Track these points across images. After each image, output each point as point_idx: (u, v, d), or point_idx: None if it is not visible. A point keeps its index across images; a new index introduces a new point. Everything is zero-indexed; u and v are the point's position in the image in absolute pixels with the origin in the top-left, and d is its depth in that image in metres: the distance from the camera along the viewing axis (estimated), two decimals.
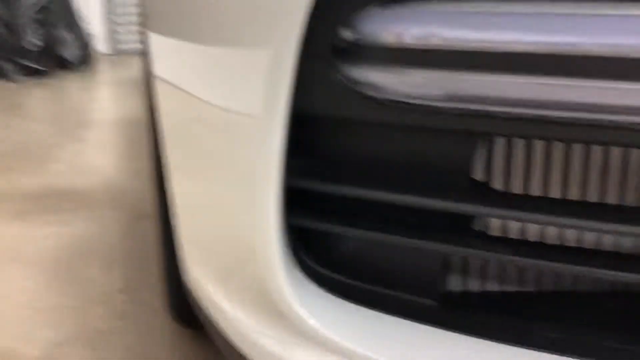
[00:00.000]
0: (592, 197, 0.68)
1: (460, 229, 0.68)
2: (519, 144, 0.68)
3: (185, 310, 1.15)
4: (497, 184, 0.69)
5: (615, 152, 0.66)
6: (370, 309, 0.71)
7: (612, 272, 0.63)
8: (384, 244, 0.72)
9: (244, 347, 0.74)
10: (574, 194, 0.68)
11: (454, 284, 0.74)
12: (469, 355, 0.67)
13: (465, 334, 0.68)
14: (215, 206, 0.75)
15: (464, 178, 0.66)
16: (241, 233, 0.70)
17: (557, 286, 0.73)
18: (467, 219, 0.69)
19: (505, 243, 0.67)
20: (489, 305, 0.73)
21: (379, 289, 0.73)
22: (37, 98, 3.71)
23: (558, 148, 0.67)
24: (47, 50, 4.19)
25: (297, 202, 0.70)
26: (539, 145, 0.67)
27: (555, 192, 0.68)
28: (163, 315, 1.28)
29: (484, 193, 0.68)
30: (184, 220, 0.85)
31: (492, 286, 0.74)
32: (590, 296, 0.72)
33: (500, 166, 0.69)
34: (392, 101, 0.63)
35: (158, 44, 0.87)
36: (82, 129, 2.95)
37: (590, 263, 0.64)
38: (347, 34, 0.63)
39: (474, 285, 0.74)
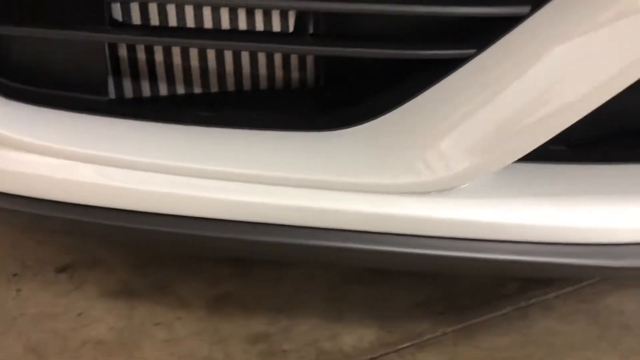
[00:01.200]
0: None
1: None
2: None
3: None
4: None
5: None
6: (41, 106, 0.77)
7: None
8: (54, 51, 0.78)
9: None
10: None
11: (127, 90, 0.81)
12: (136, 135, 0.76)
13: (132, 119, 0.76)
14: None
15: None
16: None
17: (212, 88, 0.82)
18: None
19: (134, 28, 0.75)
20: (156, 102, 0.81)
21: (51, 90, 0.79)
22: None
23: None
24: None
25: None
26: None
27: None
28: None
29: None
30: None
31: (163, 91, 0.82)
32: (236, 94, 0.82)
33: None
34: None
35: None
36: None
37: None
38: None
39: (145, 92, 0.81)
